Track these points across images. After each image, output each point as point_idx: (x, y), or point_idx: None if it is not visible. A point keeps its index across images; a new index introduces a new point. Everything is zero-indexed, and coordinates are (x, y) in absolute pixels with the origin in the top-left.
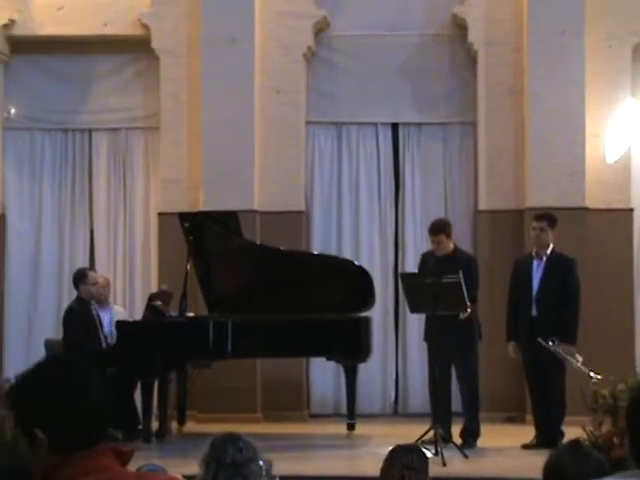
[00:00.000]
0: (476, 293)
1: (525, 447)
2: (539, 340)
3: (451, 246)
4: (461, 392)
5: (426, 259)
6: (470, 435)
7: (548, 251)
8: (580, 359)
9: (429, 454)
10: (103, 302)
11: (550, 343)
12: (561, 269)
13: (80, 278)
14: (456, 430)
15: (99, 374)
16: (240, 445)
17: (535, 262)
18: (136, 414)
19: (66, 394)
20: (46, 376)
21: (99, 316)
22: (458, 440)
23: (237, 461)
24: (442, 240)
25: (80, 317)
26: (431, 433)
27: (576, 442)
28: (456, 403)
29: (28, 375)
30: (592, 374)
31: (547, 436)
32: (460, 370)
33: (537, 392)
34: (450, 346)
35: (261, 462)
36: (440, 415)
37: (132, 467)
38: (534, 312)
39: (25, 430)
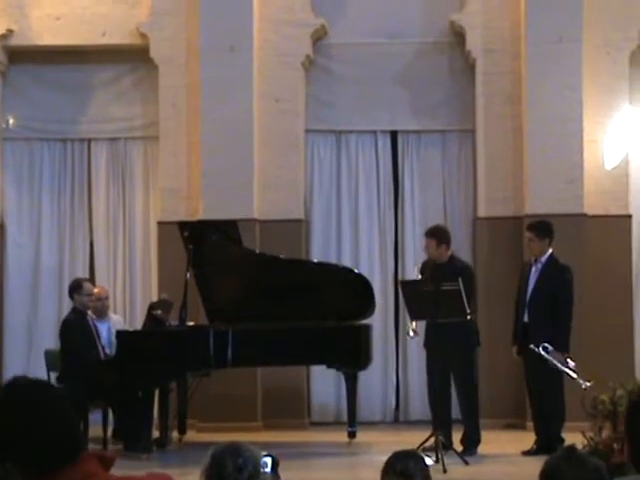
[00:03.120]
0: (472, 302)
1: (525, 453)
2: (531, 346)
3: (448, 253)
4: (460, 399)
5: (425, 267)
6: (471, 442)
7: (544, 258)
8: (572, 365)
9: (430, 461)
10: (101, 315)
11: (540, 349)
12: (554, 276)
13: (75, 288)
14: (457, 437)
15: (58, 391)
16: (240, 463)
17: (533, 268)
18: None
19: (26, 420)
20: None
21: (96, 326)
22: (459, 447)
23: None
24: (431, 244)
25: (76, 328)
26: (432, 440)
27: (571, 448)
28: (456, 410)
29: None
30: (582, 381)
31: (546, 442)
32: (459, 377)
33: (536, 398)
34: (449, 353)
35: (266, 458)
36: (441, 422)
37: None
38: (526, 318)
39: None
